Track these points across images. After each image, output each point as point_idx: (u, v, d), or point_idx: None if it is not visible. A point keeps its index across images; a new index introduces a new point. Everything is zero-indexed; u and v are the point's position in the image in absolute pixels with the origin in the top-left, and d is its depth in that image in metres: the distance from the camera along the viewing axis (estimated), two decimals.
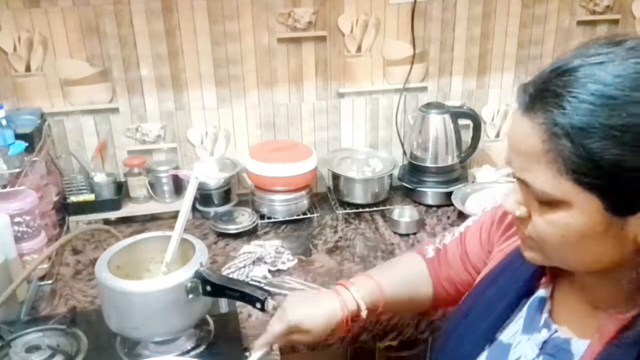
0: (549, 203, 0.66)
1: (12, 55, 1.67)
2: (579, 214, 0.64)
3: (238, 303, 1.27)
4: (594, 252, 0.67)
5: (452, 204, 1.77)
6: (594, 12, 1.96)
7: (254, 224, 1.71)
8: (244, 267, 1.49)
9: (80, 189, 1.74)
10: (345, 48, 1.85)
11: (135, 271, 1.22)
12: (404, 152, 1.98)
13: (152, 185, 1.79)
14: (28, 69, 1.69)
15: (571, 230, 0.66)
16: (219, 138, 1.88)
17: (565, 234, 0.66)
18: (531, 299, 0.85)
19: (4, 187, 1.40)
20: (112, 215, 1.77)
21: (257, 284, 1.43)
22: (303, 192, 1.79)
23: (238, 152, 1.90)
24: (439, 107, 1.85)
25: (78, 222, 1.73)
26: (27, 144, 1.47)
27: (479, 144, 1.91)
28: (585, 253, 0.68)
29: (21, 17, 1.64)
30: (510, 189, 0.73)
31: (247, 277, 1.47)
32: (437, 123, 1.84)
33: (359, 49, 1.86)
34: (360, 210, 1.83)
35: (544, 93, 0.64)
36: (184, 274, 1.10)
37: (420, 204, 1.87)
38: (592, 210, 0.63)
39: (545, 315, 0.81)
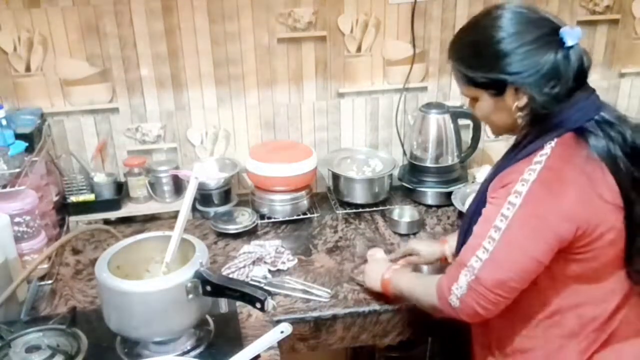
0: (473, 99, 1.15)
1: (12, 55, 1.67)
2: (482, 101, 1.12)
3: (238, 303, 1.27)
4: (499, 120, 1.13)
5: (452, 204, 1.77)
6: (594, 12, 1.96)
7: (254, 224, 1.71)
8: (244, 267, 1.49)
9: (80, 189, 1.74)
10: (345, 48, 1.85)
11: (135, 271, 1.22)
12: (404, 152, 1.98)
13: (152, 185, 1.79)
14: (28, 69, 1.69)
15: (484, 110, 1.13)
16: (219, 138, 1.88)
17: (482, 112, 1.14)
18: None
19: (4, 187, 1.40)
20: (112, 215, 1.77)
21: (257, 284, 1.43)
22: (303, 192, 1.79)
23: (238, 152, 1.90)
24: (439, 107, 1.85)
25: (78, 222, 1.73)
26: (27, 144, 1.47)
27: (479, 144, 1.91)
28: (497, 118, 1.13)
29: (21, 17, 1.64)
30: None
31: (247, 277, 1.47)
32: (437, 123, 1.84)
33: (359, 49, 1.86)
34: (360, 210, 1.83)
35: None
36: (184, 274, 1.10)
37: (420, 204, 1.87)
38: (486, 97, 1.11)
39: None
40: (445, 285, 1.11)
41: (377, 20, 1.84)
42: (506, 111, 1.10)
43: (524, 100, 1.07)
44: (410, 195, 1.91)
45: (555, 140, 1.07)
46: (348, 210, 1.83)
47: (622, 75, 2.07)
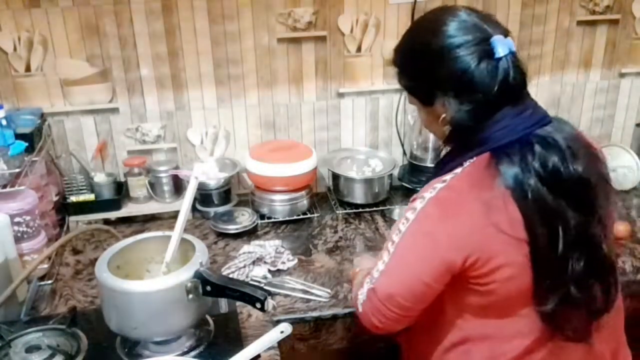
0: (417, 109, 1.13)
1: (12, 55, 1.67)
2: (419, 110, 1.12)
3: (238, 303, 1.27)
4: (434, 131, 1.13)
5: None
6: (594, 12, 1.96)
7: (254, 224, 1.71)
8: (244, 267, 1.49)
9: (80, 189, 1.74)
10: (345, 48, 1.85)
11: (135, 271, 1.22)
12: (404, 152, 1.98)
13: (152, 185, 1.79)
14: (28, 69, 1.69)
15: (421, 118, 1.14)
16: (219, 138, 1.88)
17: (421, 121, 1.15)
18: None
19: (4, 187, 1.40)
20: (112, 215, 1.77)
21: (257, 284, 1.43)
22: (303, 192, 1.79)
23: (238, 152, 1.90)
24: None
25: (78, 222, 1.73)
26: (27, 144, 1.47)
27: None
28: (433, 129, 1.12)
29: (21, 17, 1.64)
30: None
31: (247, 277, 1.47)
32: None
33: (359, 49, 1.86)
34: (360, 210, 1.83)
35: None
36: (184, 274, 1.10)
37: None
38: (419, 106, 1.11)
39: None
40: (355, 291, 1.11)
41: (377, 20, 1.84)
42: (436, 121, 1.06)
43: (450, 112, 1.03)
44: (410, 195, 1.89)
45: (470, 160, 1.01)
46: (348, 210, 1.83)
47: (622, 75, 2.07)
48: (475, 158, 1.01)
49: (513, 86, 0.99)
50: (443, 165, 1.07)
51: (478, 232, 0.97)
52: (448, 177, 1.02)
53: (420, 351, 1.16)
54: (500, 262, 0.97)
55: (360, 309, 1.07)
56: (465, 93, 1.00)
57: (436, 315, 1.08)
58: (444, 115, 1.04)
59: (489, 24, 1.02)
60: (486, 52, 0.98)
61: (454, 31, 1.00)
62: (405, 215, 1.03)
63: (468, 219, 0.97)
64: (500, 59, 0.97)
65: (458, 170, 1.02)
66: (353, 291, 1.19)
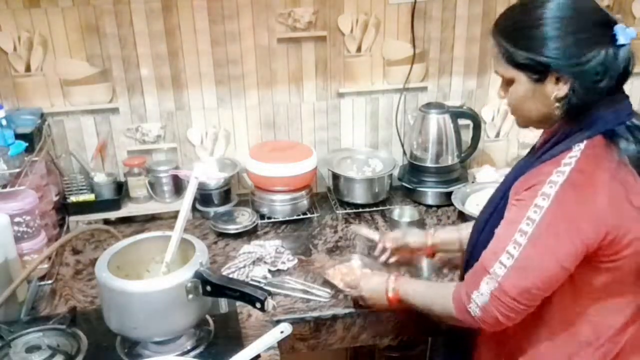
0: (507, 82, 1.09)
1: (12, 55, 1.67)
2: (519, 84, 1.06)
3: (238, 303, 1.28)
4: (533, 109, 1.07)
5: (452, 204, 1.77)
6: None
7: (254, 224, 1.71)
8: (244, 267, 1.49)
9: (80, 189, 1.74)
10: (345, 48, 1.85)
11: (135, 271, 1.22)
12: (404, 152, 1.98)
13: (152, 185, 1.79)
14: (28, 69, 1.69)
15: (518, 94, 1.07)
16: (219, 138, 1.88)
17: (516, 97, 1.08)
18: None
19: (4, 187, 1.40)
20: (112, 215, 1.77)
21: (257, 284, 1.43)
22: (303, 192, 1.79)
23: (238, 152, 1.90)
24: (439, 107, 1.85)
25: (78, 222, 1.73)
26: (27, 144, 1.47)
27: (479, 144, 1.91)
28: (531, 106, 1.07)
29: (21, 17, 1.64)
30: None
31: (247, 277, 1.47)
32: (437, 123, 1.84)
33: (359, 49, 1.86)
34: (360, 210, 1.83)
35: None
36: (184, 274, 1.10)
37: (420, 204, 1.87)
38: (524, 81, 1.05)
39: None
40: (465, 293, 1.07)
41: (377, 20, 1.84)
42: (543, 100, 1.04)
43: (564, 90, 1.01)
44: (410, 195, 1.91)
45: (585, 142, 1.02)
46: (348, 210, 1.83)
47: None
48: (586, 141, 1.03)
49: (629, 73, 1.03)
50: (548, 149, 1.07)
51: (617, 209, 1.00)
52: (568, 160, 1.02)
53: (516, 336, 1.14)
54: (632, 236, 1.01)
55: (477, 313, 1.05)
56: (589, 75, 0.99)
57: (544, 299, 1.05)
58: (556, 94, 1.03)
59: (603, 8, 1.04)
60: (610, 37, 1.00)
61: (579, 12, 1.01)
62: (534, 202, 1.01)
63: (607, 198, 0.99)
64: (622, 45, 1.00)
65: (574, 153, 1.02)
66: (433, 304, 1.16)
